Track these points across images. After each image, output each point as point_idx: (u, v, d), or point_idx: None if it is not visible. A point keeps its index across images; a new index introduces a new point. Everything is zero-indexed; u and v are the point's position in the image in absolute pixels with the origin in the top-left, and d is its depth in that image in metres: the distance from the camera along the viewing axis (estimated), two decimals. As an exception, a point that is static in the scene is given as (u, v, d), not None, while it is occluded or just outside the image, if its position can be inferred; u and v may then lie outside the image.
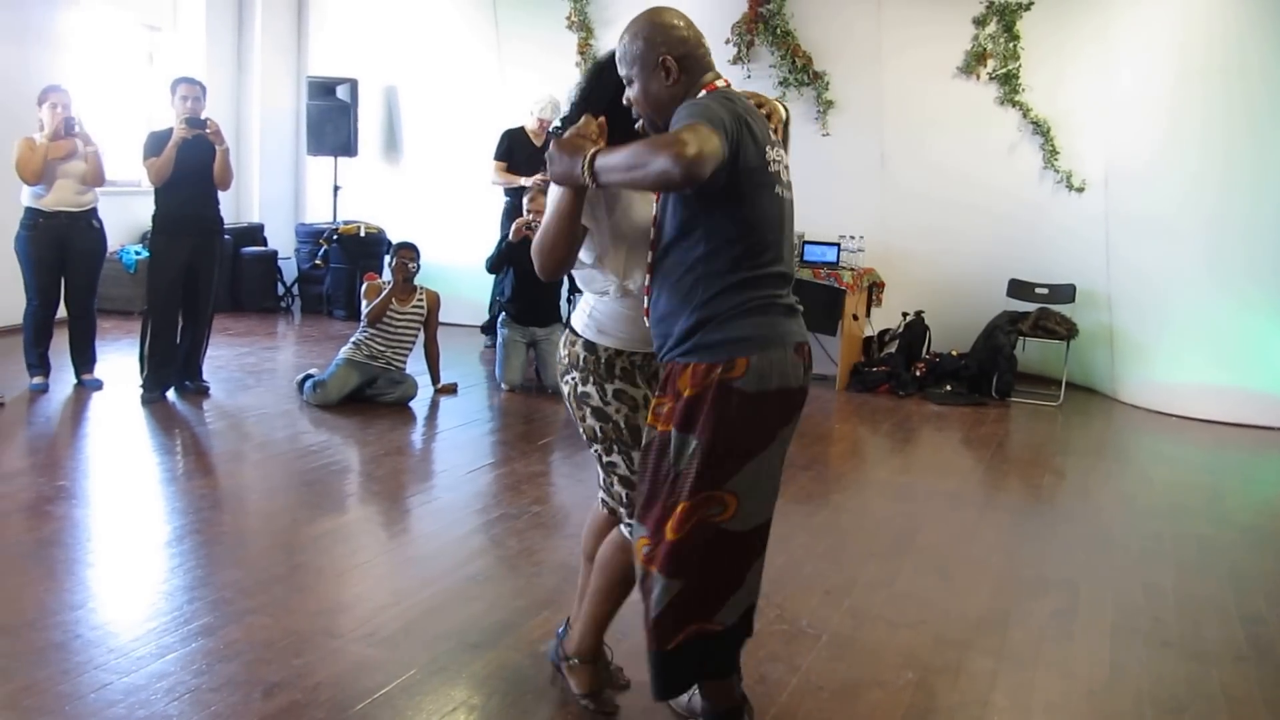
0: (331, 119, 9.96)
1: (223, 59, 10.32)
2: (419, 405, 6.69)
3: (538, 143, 8.31)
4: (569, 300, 8.51)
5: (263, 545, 4.34)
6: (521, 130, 8.40)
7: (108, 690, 2.98)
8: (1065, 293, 8.02)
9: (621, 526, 2.88)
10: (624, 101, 2.64)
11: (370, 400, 6.56)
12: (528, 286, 7.22)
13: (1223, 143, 7.21)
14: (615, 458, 2.85)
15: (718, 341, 2.51)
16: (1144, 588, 4.24)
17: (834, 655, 3.49)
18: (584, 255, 2.76)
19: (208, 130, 6.27)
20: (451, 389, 7.03)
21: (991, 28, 8.27)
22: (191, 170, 6.28)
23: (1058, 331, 7.86)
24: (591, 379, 2.82)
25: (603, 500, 2.97)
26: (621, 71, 2.61)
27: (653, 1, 2.79)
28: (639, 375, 2.84)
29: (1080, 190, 8.08)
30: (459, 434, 6.27)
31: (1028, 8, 8.15)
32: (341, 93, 9.96)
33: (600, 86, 2.76)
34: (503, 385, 7.22)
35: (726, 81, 2.61)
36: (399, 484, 5.26)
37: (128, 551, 4.14)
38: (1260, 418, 7.28)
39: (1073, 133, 8.09)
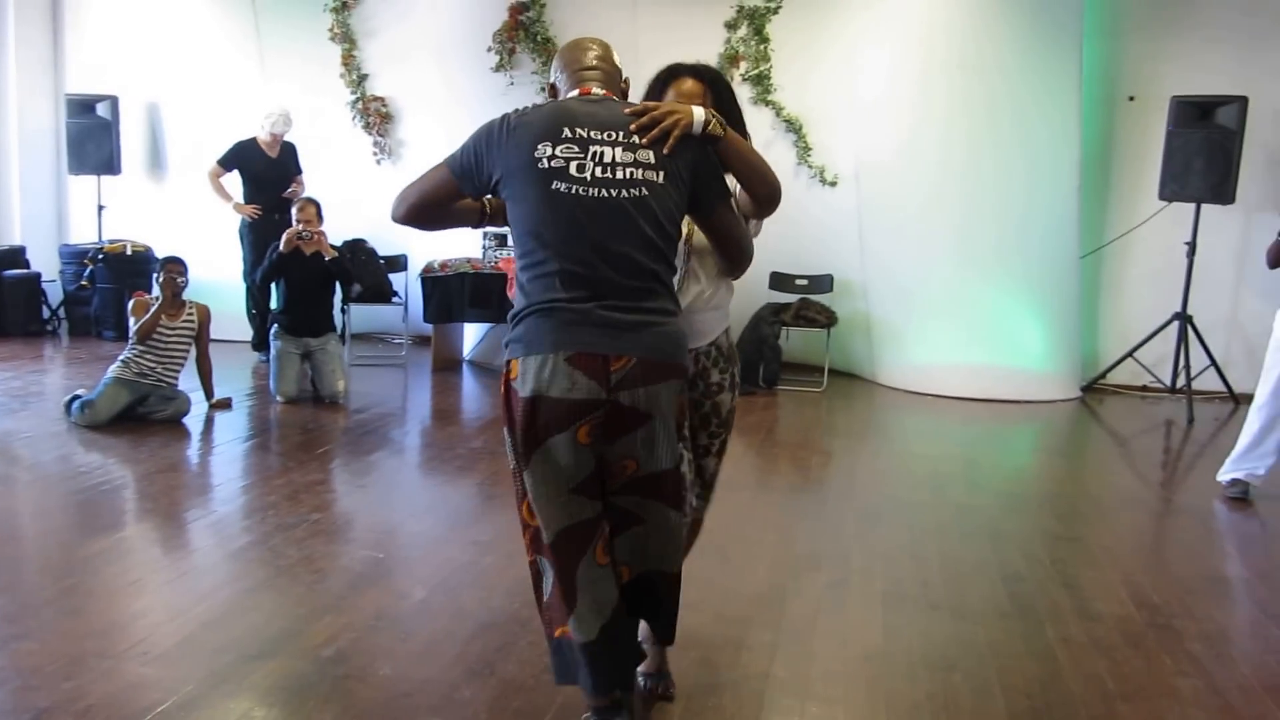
0: (93, 137, 9.39)
1: (-28, 77, 9.59)
2: (193, 421, 6.36)
3: (272, 155, 8.15)
4: (343, 310, 8.30)
5: (30, 569, 4.03)
6: (254, 142, 8.19)
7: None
8: (824, 283, 8.30)
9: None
10: None
11: (142, 418, 6.21)
12: (301, 297, 6.99)
13: (965, 134, 7.59)
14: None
15: (508, 341, 2.59)
16: (912, 557, 4.39)
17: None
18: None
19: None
20: (225, 404, 6.72)
21: (743, 30, 8.48)
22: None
23: (818, 320, 8.13)
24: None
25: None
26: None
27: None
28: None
29: (833, 184, 8.38)
30: (234, 448, 6.00)
31: (776, 11, 8.39)
32: (102, 110, 9.40)
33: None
34: (278, 398, 6.96)
35: (584, 90, 2.70)
36: (173, 500, 4.99)
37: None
38: (1009, 392, 7.73)
39: (823, 129, 8.37)
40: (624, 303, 2.52)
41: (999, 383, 7.79)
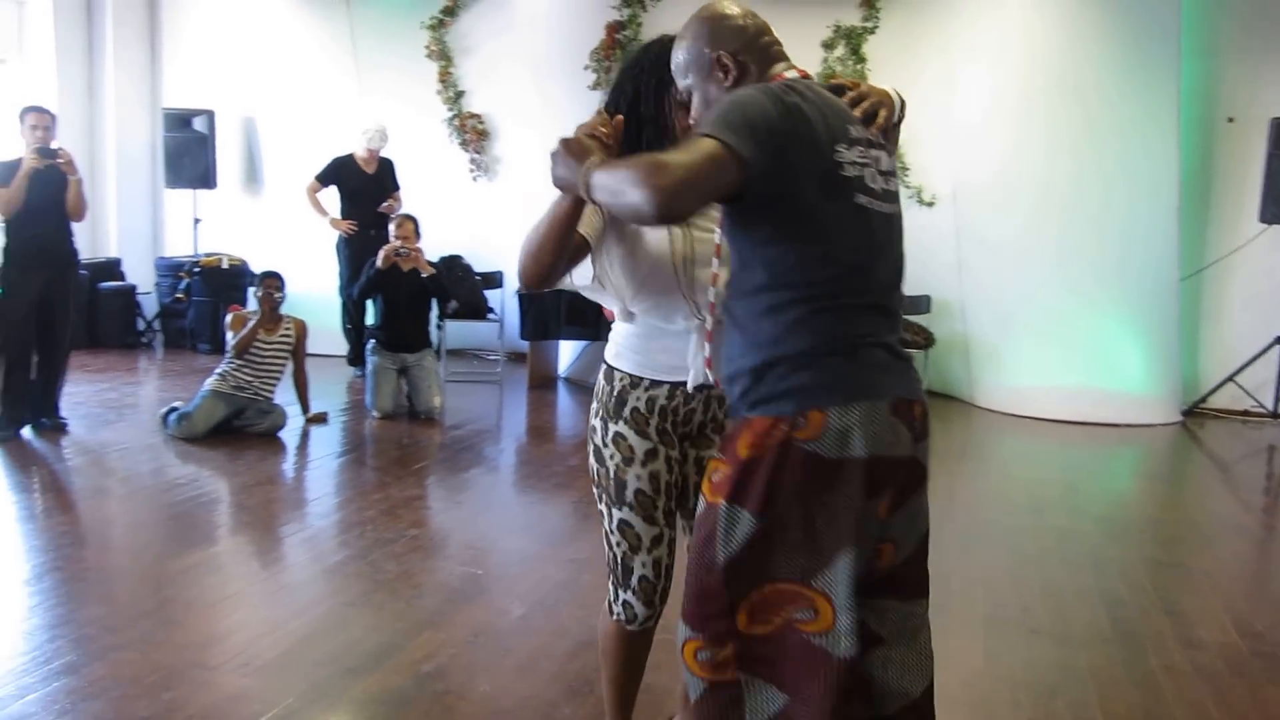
0: (189, 151, 9.66)
1: (74, 91, 9.93)
2: (289, 435, 6.49)
3: (369, 171, 8.27)
4: (439, 326, 8.40)
5: (129, 580, 4.15)
6: (352, 158, 8.34)
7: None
8: (921, 303, 8.22)
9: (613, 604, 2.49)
10: (691, 120, 2.20)
11: (238, 431, 6.35)
12: (398, 313, 7.11)
13: (1064, 155, 7.50)
14: (602, 508, 2.46)
15: (786, 390, 1.92)
16: (1012, 581, 4.35)
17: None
18: (576, 277, 2.34)
19: (59, 160, 6.03)
20: (322, 418, 6.85)
21: (839, 50, 8.47)
22: (43, 202, 6.03)
23: (915, 341, 8.04)
24: (601, 412, 2.45)
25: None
26: (681, 84, 2.17)
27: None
28: (654, 424, 2.41)
29: (930, 205, 8.32)
30: (331, 462, 6.10)
31: (873, 31, 8.37)
32: (199, 124, 9.68)
33: (621, 89, 2.42)
34: (374, 413, 7.07)
35: (802, 72, 2.10)
36: (270, 514, 5.09)
37: (-17, 593, 3.92)
38: (1108, 416, 7.59)
39: (922, 149, 8.29)
40: (900, 338, 2.12)
41: (1098, 406, 7.65)
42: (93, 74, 10.18)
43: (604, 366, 2.50)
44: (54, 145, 6.07)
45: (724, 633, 1.94)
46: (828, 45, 8.48)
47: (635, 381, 2.41)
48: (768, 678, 1.94)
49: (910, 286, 8.13)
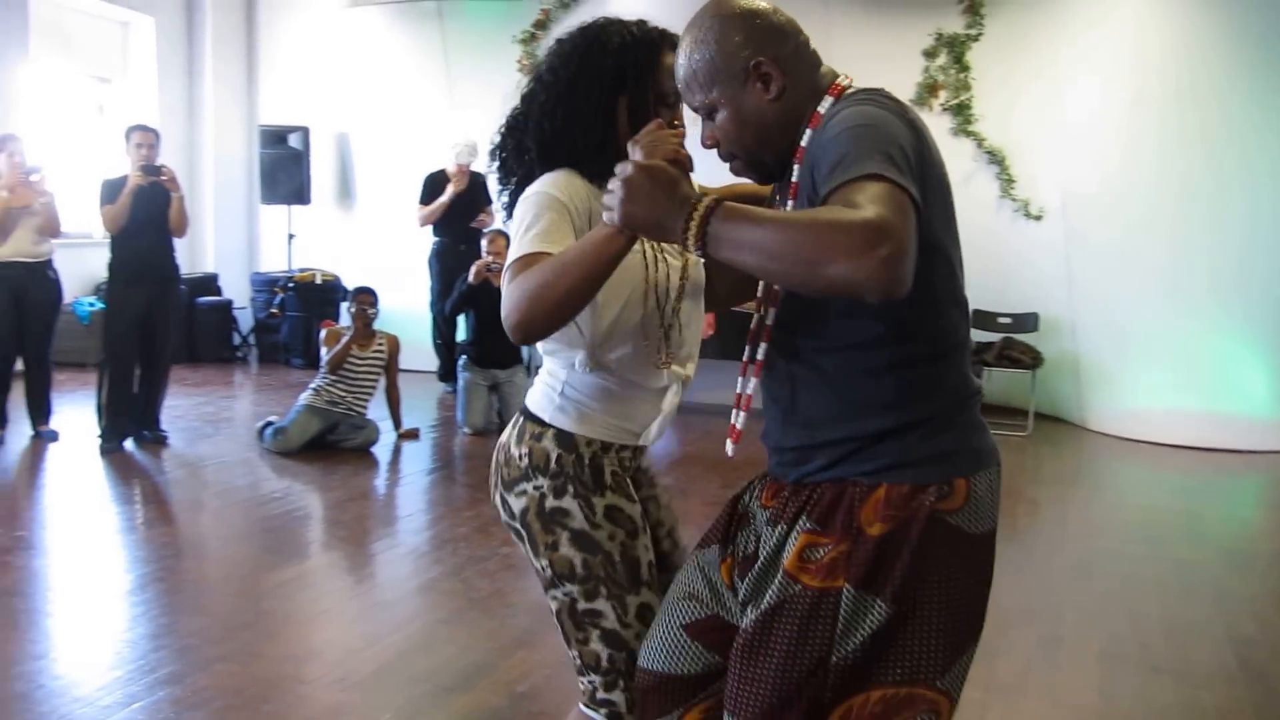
0: (284, 167, 9.95)
1: (174, 108, 10.30)
2: (381, 451, 6.64)
3: (458, 187, 8.41)
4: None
5: (227, 592, 4.29)
6: (443, 173, 8.49)
7: (72, 742, 2.93)
8: (1028, 321, 8.11)
9: (583, 708, 2.06)
10: (705, 142, 1.81)
11: (332, 446, 6.51)
12: (488, 328, 7.22)
13: (1180, 166, 7.33)
14: (601, 604, 1.99)
15: (931, 454, 1.66)
16: (1129, 614, 4.26)
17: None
18: None
19: (163, 177, 6.26)
20: (414, 434, 6.99)
21: (942, 59, 8.41)
22: (147, 218, 6.27)
23: (1023, 361, 7.94)
24: (571, 489, 2.00)
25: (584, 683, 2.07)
26: (693, 102, 1.78)
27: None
28: (629, 483, 2.09)
29: (1038, 218, 8.21)
30: (422, 478, 6.23)
31: (977, 39, 8.30)
32: (294, 140, 9.96)
33: (575, 86, 2.01)
34: (465, 429, 7.19)
35: (848, 79, 1.80)
36: (363, 529, 5.21)
37: (89, 601, 4.08)
38: (1231, 441, 7.37)
39: (1028, 161, 8.21)
40: None
41: (1220, 430, 7.44)
42: (192, 93, 10.55)
43: (548, 431, 2.03)
44: (158, 163, 6.32)
45: None
46: (929, 54, 8.43)
47: (606, 446, 2.03)
48: None
49: (1017, 303, 8.12)
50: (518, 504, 2.03)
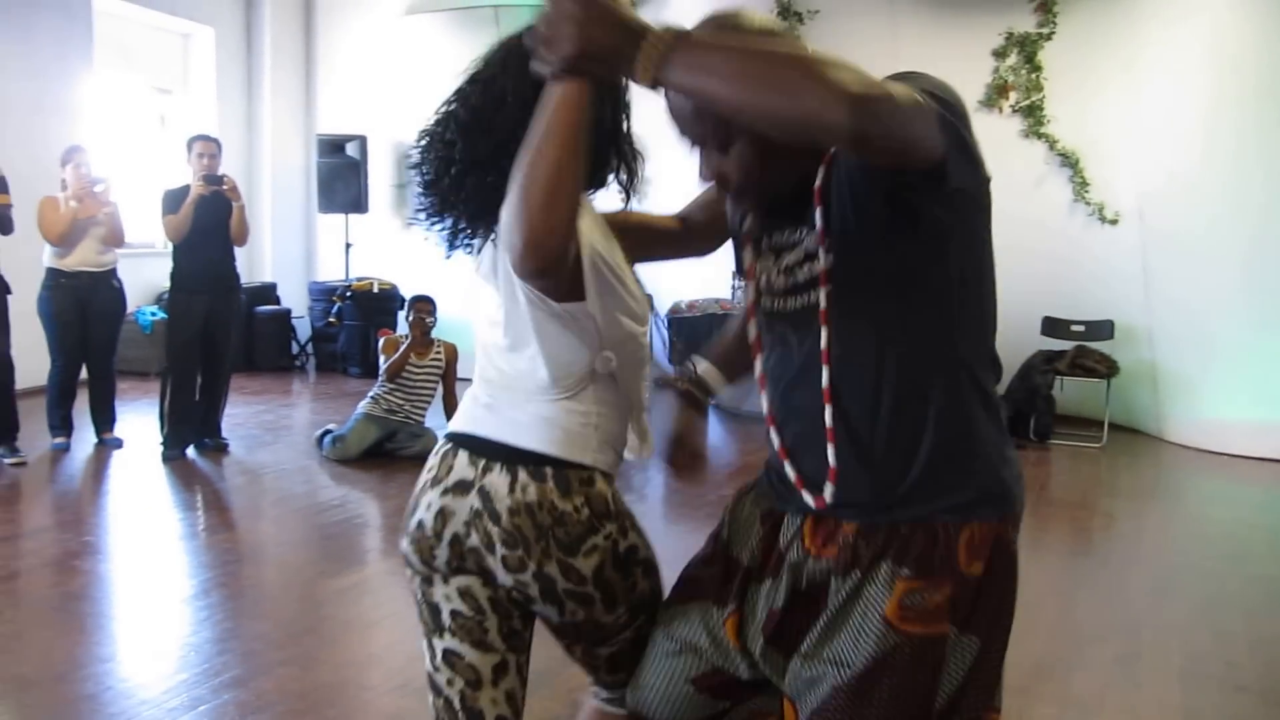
0: (342, 176, 10.10)
1: (233, 119, 10.50)
2: (441, 459, 6.70)
3: None
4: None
5: (289, 598, 4.37)
6: None
7: (139, 742, 3.00)
8: (1103, 329, 8.02)
9: (599, 701, 2.10)
10: (708, 175, 1.66)
11: (390, 454, 6.59)
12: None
13: (1259, 167, 7.23)
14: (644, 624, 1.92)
15: (1006, 484, 1.66)
16: (1212, 632, 4.19)
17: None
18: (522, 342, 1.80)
19: (224, 187, 6.39)
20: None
21: (1012, 59, 8.38)
22: (208, 227, 6.40)
23: (1097, 370, 7.85)
24: (629, 523, 1.87)
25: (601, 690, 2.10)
26: (699, 131, 1.62)
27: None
28: None
29: (1113, 222, 8.13)
30: (484, 487, 6.28)
31: (1049, 38, 8.25)
32: (351, 149, 10.11)
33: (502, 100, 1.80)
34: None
35: None
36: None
37: (154, 605, 4.18)
38: (1317, 454, 7.25)
39: (1102, 163, 8.14)
40: None
41: (1305, 443, 7.32)
42: (251, 103, 10.76)
43: (595, 474, 1.81)
44: (219, 172, 6.46)
45: None
46: (999, 54, 8.40)
47: (610, 478, 1.87)
48: None
49: (1092, 310, 8.03)
50: (589, 564, 1.78)
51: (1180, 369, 7.78)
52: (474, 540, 1.79)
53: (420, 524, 1.84)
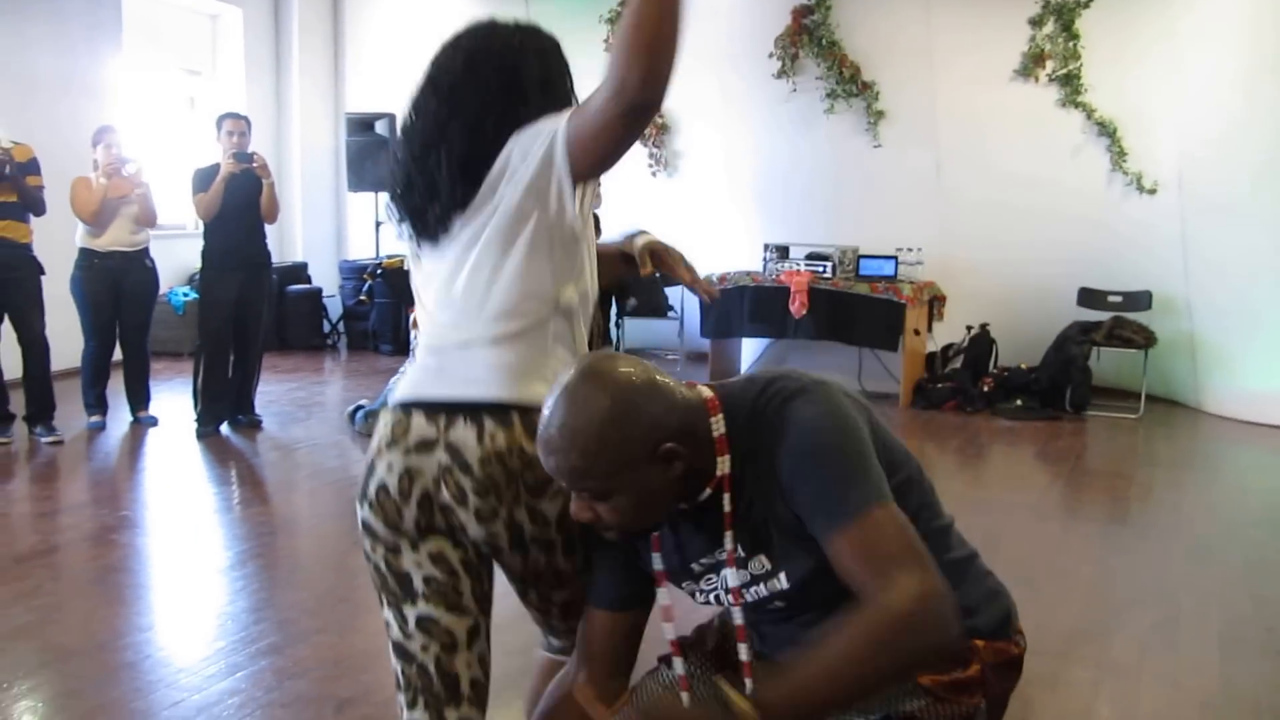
0: (371, 154, 10.10)
1: (262, 100, 10.55)
2: (473, 434, 6.74)
3: None
4: (617, 324, 8.55)
5: (323, 569, 4.42)
6: None
7: (180, 707, 3.03)
8: (1140, 300, 7.95)
9: (549, 653, 2.23)
10: (580, 515, 1.65)
11: (423, 430, 6.64)
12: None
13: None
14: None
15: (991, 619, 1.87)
16: (1251, 598, 4.17)
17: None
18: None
19: (255, 164, 6.43)
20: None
21: (1049, 28, 8.28)
22: (239, 205, 6.44)
23: (1135, 340, 7.78)
24: None
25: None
26: (580, 487, 1.61)
27: None
28: None
29: (1151, 192, 8.04)
30: (516, 461, 6.31)
31: (1086, 5, 8.14)
32: (380, 128, 10.11)
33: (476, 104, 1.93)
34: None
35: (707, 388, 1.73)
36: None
37: (191, 576, 4.23)
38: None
39: (1141, 133, 8.05)
40: None
41: (1349, 413, 7.24)
42: (280, 83, 10.80)
43: (539, 414, 1.73)
44: (249, 150, 6.50)
45: None
46: (1036, 22, 8.30)
47: None
48: None
49: (1130, 280, 7.95)
50: (554, 506, 1.81)
51: (1219, 339, 7.71)
52: (445, 496, 1.80)
53: (383, 487, 1.83)
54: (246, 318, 6.60)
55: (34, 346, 6.20)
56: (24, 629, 3.60)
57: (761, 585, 1.69)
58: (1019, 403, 7.72)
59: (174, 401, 7.15)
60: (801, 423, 1.58)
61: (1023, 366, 7.99)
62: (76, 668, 3.31)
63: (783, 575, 1.66)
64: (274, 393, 7.79)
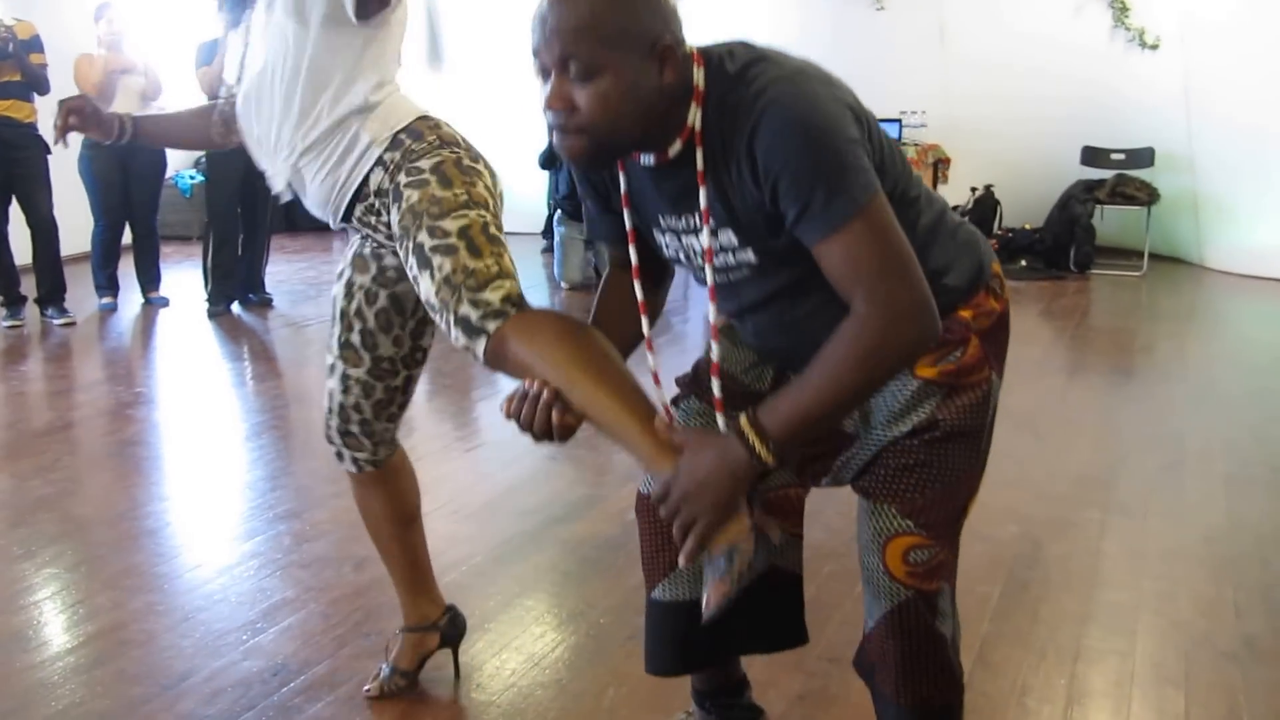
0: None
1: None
2: (482, 307, 6.69)
3: None
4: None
5: (338, 438, 4.40)
6: None
7: (202, 569, 3.03)
8: (1143, 157, 7.80)
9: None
10: (555, 103, 1.52)
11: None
12: (582, 181, 7.17)
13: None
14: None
15: (965, 272, 1.79)
16: (1256, 439, 4.15)
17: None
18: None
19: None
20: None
21: None
22: (243, 81, 6.28)
23: (1137, 197, 7.66)
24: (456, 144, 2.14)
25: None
26: (564, 51, 1.49)
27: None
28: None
29: (1154, 48, 7.82)
30: (525, 332, 6.27)
31: None
32: (384, 3, 9.88)
33: None
34: (563, 284, 7.20)
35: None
36: (466, 377, 5.27)
37: (208, 448, 4.22)
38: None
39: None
40: None
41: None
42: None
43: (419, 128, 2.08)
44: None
45: (955, 533, 1.74)
46: None
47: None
48: (951, 579, 1.75)
49: (1132, 138, 7.80)
50: (423, 171, 1.99)
51: (1222, 195, 7.57)
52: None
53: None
54: (254, 197, 6.48)
55: (43, 227, 6.12)
56: (44, 501, 3.58)
57: (730, 256, 1.64)
58: (1024, 263, 7.63)
59: (184, 283, 7.10)
60: (783, 110, 1.47)
61: (1027, 227, 7.89)
62: (98, 536, 3.30)
63: (750, 251, 1.61)
64: (284, 273, 7.72)
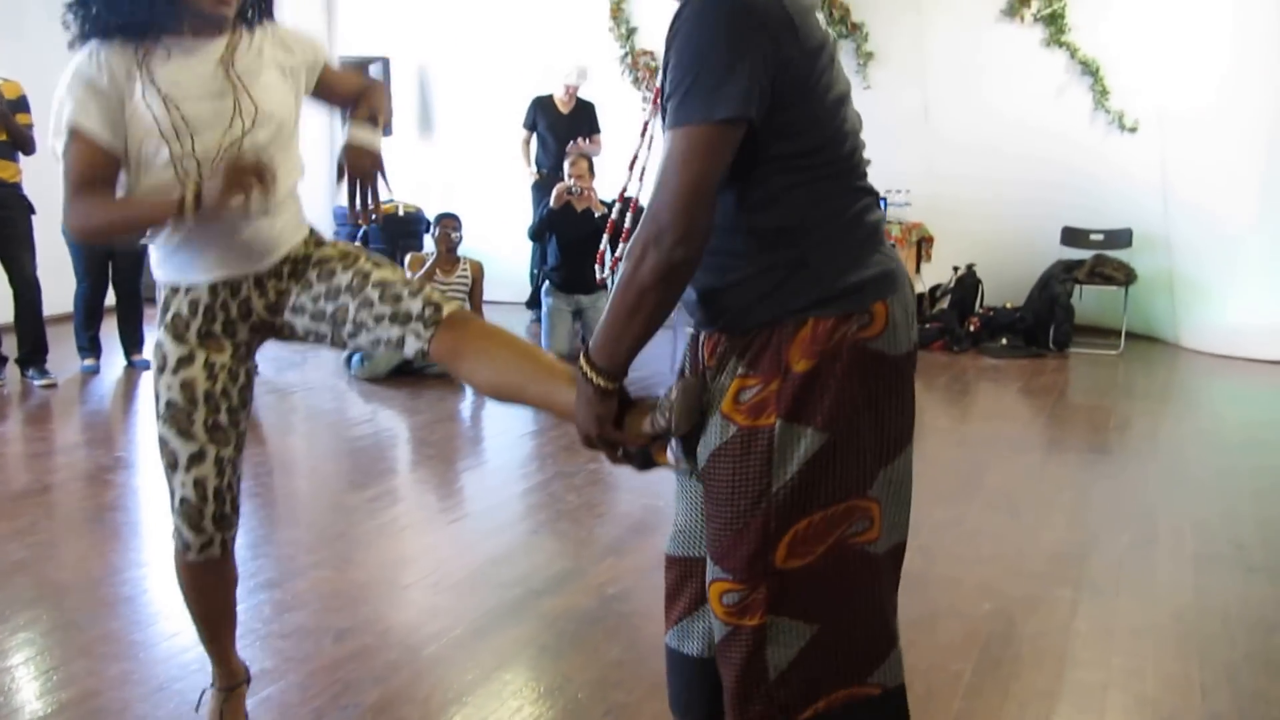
0: (364, 100, 10.00)
1: (252, 44, 10.39)
2: (467, 376, 6.72)
3: (565, 111, 8.48)
4: (611, 271, 8.46)
5: (320, 507, 4.41)
6: (550, 99, 8.54)
7: (179, 638, 3.03)
8: (1121, 238, 7.92)
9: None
10: None
11: (418, 373, 6.58)
12: (572, 253, 7.23)
13: (1283, 73, 7.09)
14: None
15: (844, 287, 1.69)
16: (1223, 517, 4.20)
17: (908, 589, 3.43)
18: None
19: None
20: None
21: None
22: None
23: (1115, 278, 7.77)
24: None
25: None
26: None
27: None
28: (195, 327, 2.26)
29: (1133, 130, 7.98)
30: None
31: (1068, -55, 8.06)
32: (374, 71, 10.01)
33: None
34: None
35: None
36: (452, 448, 5.30)
37: (187, 515, 4.21)
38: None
39: (1123, 72, 7.97)
40: None
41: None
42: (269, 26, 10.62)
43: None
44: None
45: (760, 573, 1.72)
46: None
47: (174, 288, 2.25)
48: (794, 614, 1.74)
49: (1111, 219, 7.93)
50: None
51: (1197, 275, 7.69)
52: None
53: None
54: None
55: (25, 288, 6.15)
56: (20, 565, 3.59)
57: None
58: (1004, 341, 7.71)
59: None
60: (695, 12, 1.59)
61: (1008, 306, 7.99)
62: (74, 602, 3.31)
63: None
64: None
